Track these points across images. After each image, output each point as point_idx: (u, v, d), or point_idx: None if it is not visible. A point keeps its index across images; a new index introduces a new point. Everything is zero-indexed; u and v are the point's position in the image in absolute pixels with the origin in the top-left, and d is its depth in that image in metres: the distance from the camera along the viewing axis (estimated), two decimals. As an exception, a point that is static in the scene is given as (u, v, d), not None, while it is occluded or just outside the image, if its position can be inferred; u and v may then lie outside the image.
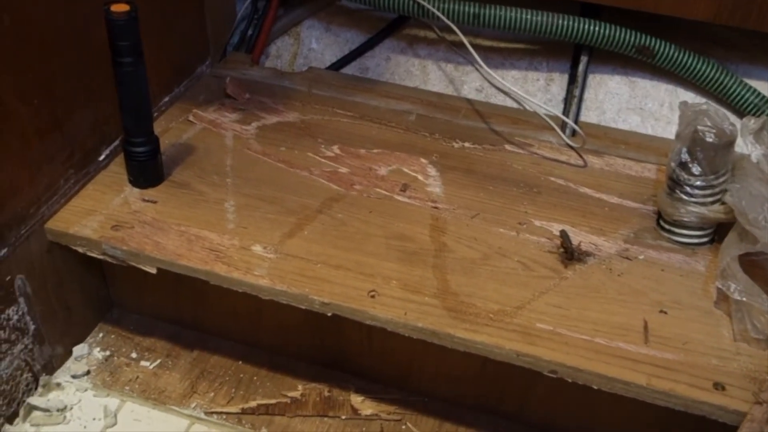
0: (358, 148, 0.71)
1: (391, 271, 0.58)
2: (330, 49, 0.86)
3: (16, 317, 0.58)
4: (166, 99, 0.74)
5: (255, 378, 0.65)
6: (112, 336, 0.67)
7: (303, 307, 0.56)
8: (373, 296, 0.56)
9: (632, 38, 0.74)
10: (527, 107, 0.78)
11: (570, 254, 0.60)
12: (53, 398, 0.61)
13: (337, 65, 0.85)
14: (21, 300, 0.58)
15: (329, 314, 0.56)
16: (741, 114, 0.75)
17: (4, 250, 0.56)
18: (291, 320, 0.64)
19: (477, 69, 0.80)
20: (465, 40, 0.73)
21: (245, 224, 0.61)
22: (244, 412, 0.62)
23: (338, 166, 0.68)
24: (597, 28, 0.74)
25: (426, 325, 0.54)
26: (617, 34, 0.74)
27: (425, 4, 0.75)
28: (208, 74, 0.80)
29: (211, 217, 0.61)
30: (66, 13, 0.57)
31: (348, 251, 0.59)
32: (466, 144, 0.73)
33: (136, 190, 0.63)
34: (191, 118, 0.73)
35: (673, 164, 0.61)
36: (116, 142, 0.66)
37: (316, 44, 0.87)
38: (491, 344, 0.53)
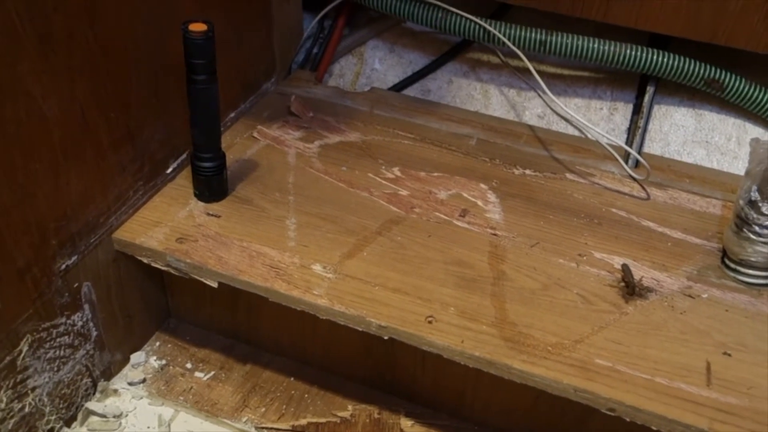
0: (419, 170, 0.71)
1: (448, 297, 0.58)
2: (393, 70, 0.87)
3: (80, 323, 0.60)
4: (232, 115, 0.75)
5: (306, 395, 0.65)
6: (169, 345, 0.69)
7: (360, 329, 0.56)
8: (430, 322, 0.56)
9: (701, 70, 0.72)
10: (589, 136, 0.77)
11: (631, 289, 0.59)
12: (110, 404, 0.63)
13: (400, 86, 0.86)
14: (86, 307, 0.60)
15: (386, 338, 0.56)
16: (813, 152, 0.72)
17: (74, 258, 0.58)
18: (345, 340, 0.64)
19: (539, 95, 0.80)
20: (530, 66, 0.73)
21: (306, 242, 0.62)
22: (294, 429, 0.62)
23: (398, 188, 0.69)
24: (665, 59, 0.73)
25: (483, 355, 0.53)
26: (686, 65, 0.72)
27: (491, 29, 0.75)
28: (273, 91, 0.82)
29: (273, 233, 0.62)
30: (145, 29, 0.59)
31: (406, 275, 0.59)
32: (527, 171, 0.72)
33: (200, 204, 0.65)
34: (255, 134, 0.74)
35: (741, 202, 0.59)
36: (184, 156, 0.67)
37: (379, 65, 0.87)
38: (549, 378, 0.52)
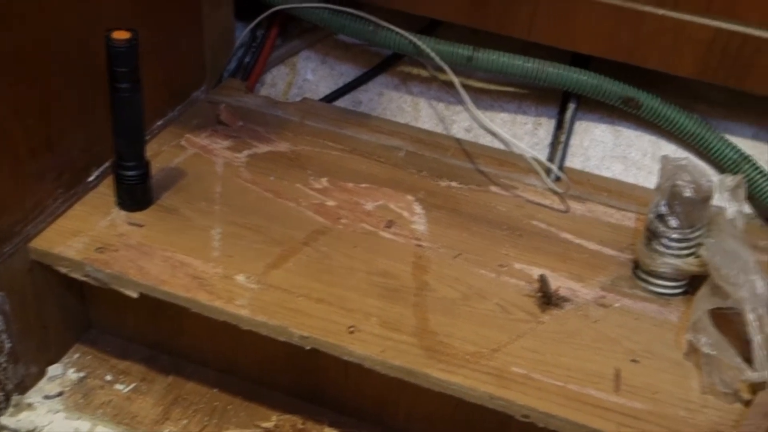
0: (347, 181, 0.72)
1: (371, 308, 0.59)
2: (325, 81, 0.88)
3: (-7, 334, 0.58)
4: (160, 122, 0.75)
5: (229, 407, 0.65)
6: (88, 357, 0.67)
7: (282, 340, 0.57)
8: (352, 332, 0.56)
9: (619, 89, 0.76)
10: (514, 150, 0.80)
11: (548, 299, 0.61)
12: (24, 419, 0.61)
13: (331, 97, 0.86)
14: None
15: (308, 348, 0.56)
16: (720, 168, 0.77)
17: (-13, 267, 0.56)
18: (269, 350, 0.64)
19: (466, 109, 0.81)
20: (456, 81, 0.75)
21: (230, 252, 0.61)
22: (217, 440, 0.62)
23: (326, 199, 0.69)
24: (585, 78, 0.76)
25: (403, 364, 0.54)
26: (605, 84, 0.76)
27: (420, 44, 0.77)
28: (203, 100, 0.81)
29: (197, 243, 0.62)
30: (67, 35, 0.58)
31: (330, 285, 0.60)
32: (453, 183, 0.74)
33: (123, 213, 0.64)
34: (183, 142, 0.74)
35: (651, 216, 0.62)
36: (107, 164, 0.66)
37: (311, 75, 0.88)
38: (466, 386, 0.53)
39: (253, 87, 0.86)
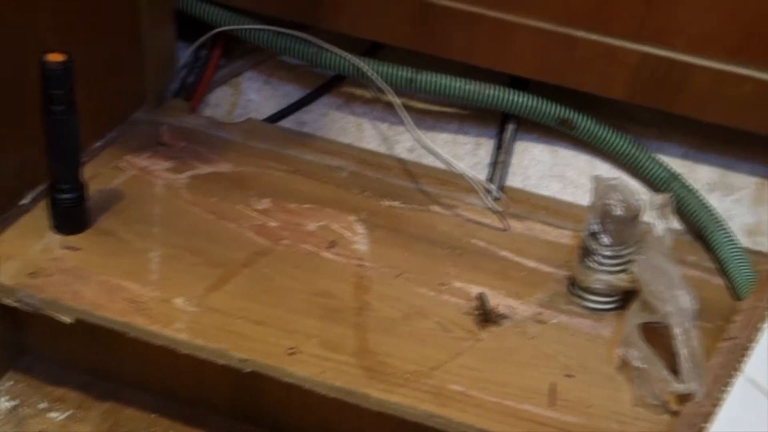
0: (289, 202, 0.72)
1: (312, 329, 0.59)
2: (269, 102, 0.88)
3: None
4: (98, 144, 0.74)
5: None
6: (22, 385, 0.66)
7: (221, 363, 0.56)
8: (292, 354, 0.56)
9: (555, 110, 0.78)
10: (456, 169, 0.81)
11: (486, 317, 0.62)
12: (-46, 449, 0.59)
13: (275, 118, 0.87)
14: (-72, 345, 0.57)
15: (247, 371, 0.56)
16: (652, 187, 0.80)
17: None
18: (210, 374, 0.64)
19: (409, 130, 0.83)
20: (397, 102, 0.76)
21: (169, 275, 0.61)
22: (156, 466, 0.61)
23: (268, 220, 0.69)
24: (522, 100, 0.78)
25: (342, 385, 0.55)
26: (541, 106, 0.78)
27: (362, 65, 0.78)
28: (144, 121, 0.80)
29: (134, 266, 0.61)
30: (1, 59, 0.57)
31: (271, 307, 0.60)
32: (395, 203, 0.75)
33: (58, 237, 0.63)
34: (122, 164, 0.73)
35: (585, 234, 0.64)
36: (41, 187, 0.65)
37: (255, 96, 0.88)
38: (405, 405, 0.54)
39: (197, 107, 0.86)
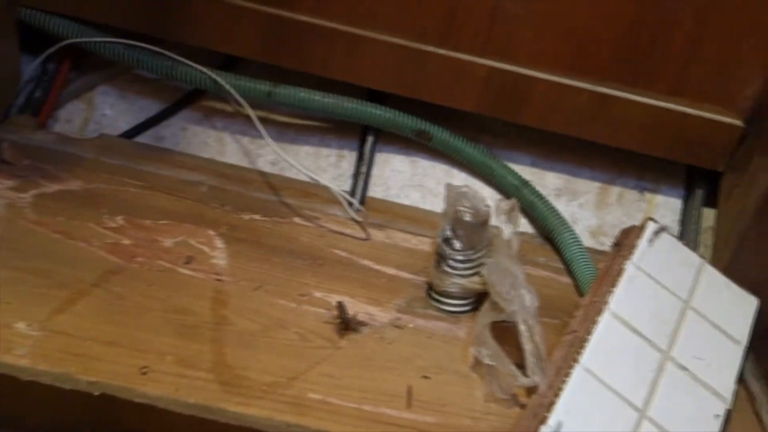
0: (145, 219, 0.70)
1: (167, 346, 0.57)
2: (125, 117, 0.85)
3: None
4: (-69, 163, 0.69)
5: (16, 465, 0.60)
6: None
7: (68, 388, 0.54)
8: (144, 373, 0.55)
9: (412, 123, 0.81)
10: (321, 181, 0.82)
11: (346, 325, 0.63)
12: None
13: (132, 133, 0.84)
14: None
15: (96, 393, 0.54)
16: (504, 194, 0.84)
17: None
18: (63, 401, 0.60)
19: (272, 144, 0.83)
20: (253, 115, 0.76)
21: (9, 300, 0.58)
22: (0, 503, 0.57)
23: (121, 238, 0.67)
24: (380, 112, 0.80)
25: (197, 401, 0.54)
26: (399, 118, 0.80)
27: (218, 79, 0.77)
28: (-16, 137, 0.76)
29: (-30, 292, 0.57)
30: None
31: (122, 326, 0.58)
32: (256, 216, 0.75)
33: None
34: (-42, 184, 0.68)
35: (439, 240, 0.67)
36: None
37: (109, 111, 0.85)
38: (262, 417, 0.54)
39: (45, 123, 0.82)
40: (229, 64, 0.83)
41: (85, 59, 0.85)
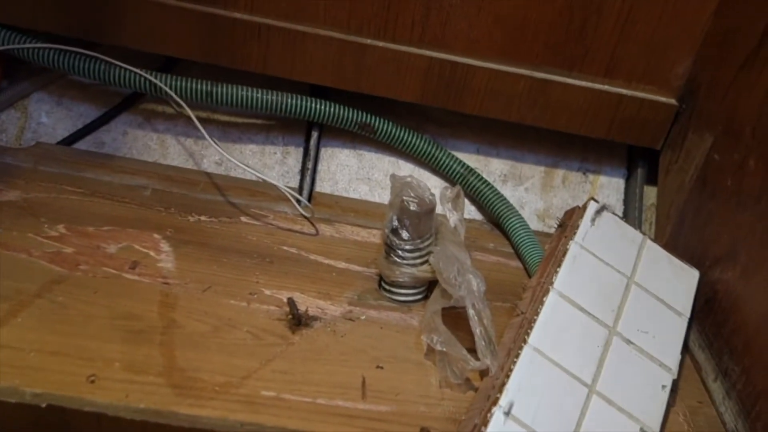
0: (87, 226, 0.69)
1: (114, 353, 0.56)
2: (62, 124, 0.83)
3: None
4: None
5: (-36, 485, 0.58)
6: None
7: (14, 401, 0.53)
8: (92, 381, 0.54)
9: (355, 116, 0.81)
10: (267, 179, 0.82)
11: (297, 320, 0.63)
12: None
13: (70, 140, 0.82)
14: None
15: (43, 405, 0.53)
16: (451, 182, 0.85)
17: None
18: (13, 417, 0.59)
19: (213, 143, 0.82)
20: (193, 116, 0.75)
21: (-54, 316, 0.56)
22: None
23: (63, 246, 0.66)
24: (323, 107, 0.80)
25: (148, 406, 0.53)
26: (342, 112, 0.80)
27: (155, 80, 0.76)
28: None
29: None
30: None
31: (67, 336, 0.57)
32: (202, 217, 0.74)
33: None
34: None
35: (386, 230, 0.67)
36: None
37: (46, 118, 0.83)
38: (215, 417, 0.53)
39: (-22, 134, 0.79)
40: (169, 65, 0.82)
41: (16, 67, 0.83)
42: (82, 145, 0.83)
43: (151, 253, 0.68)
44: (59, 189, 0.73)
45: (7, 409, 0.54)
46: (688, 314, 0.69)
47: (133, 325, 0.59)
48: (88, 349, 0.56)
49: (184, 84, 0.77)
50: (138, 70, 0.76)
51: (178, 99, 0.75)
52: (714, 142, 0.74)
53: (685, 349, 0.70)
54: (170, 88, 0.76)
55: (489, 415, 0.53)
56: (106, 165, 0.78)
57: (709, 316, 0.70)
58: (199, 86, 0.77)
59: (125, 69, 0.76)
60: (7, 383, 0.52)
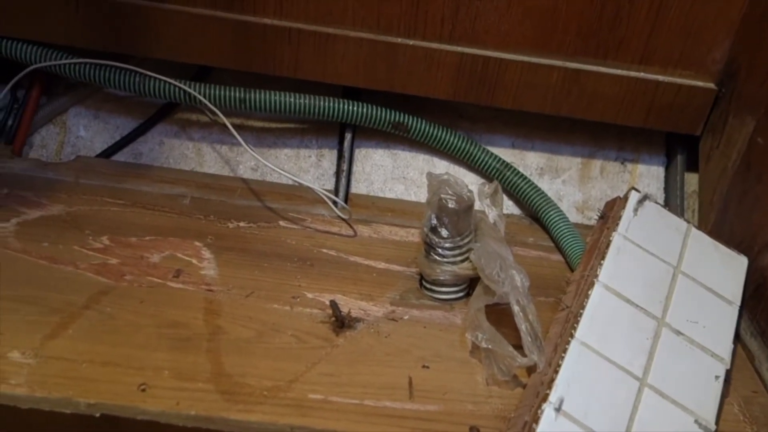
0: (129, 236, 0.70)
1: (162, 361, 0.57)
2: (100, 137, 0.85)
3: None
4: None
5: (23, 495, 0.60)
6: None
7: (69, 412, 0.54)
8: (143, 390, 0.55)
9: (388, 116, 0.81)
10: (303, 183, 0.82)
11: (340, 322, 0.63)
12: None
13: (108, 153, 0.83)
14: None
15: (97, 415, 0.54)
16: (487, 177, 0.84)
17: None
18: (64, 427, 0.60)
19: (249, 149, 0.83)
20: (228, 123, 0.76)
21: (1, 330, 0.57)
22: None
23: (108, 258, 0.67)
24: (356, 108, 0.80)
25: (198, 412, 0.53)
26: (375, 112, 0.80)
27: (189, 90, 0.77)
28: (-40, 170, 0.75)
29: (-41, 326, 0.57)
30: None
31: (116, 346, 0.58)
32: (241, 223, 0.75)
33: None
34: (-63, 219, 0.68)
35: (425, 229, 0.67)
36: None
37: (84, 132, 0.85)
38: (266, 422, 0.54)
39: (20, 150, 0.81)
40: (202, 74, 0.83)
41: (54, 83, 0.84)
42: (120, 156, 0.84)
43: (194, 261, 0.68)
44: (101, 201, 0.74)
45: (62, 420, 0.55)
46: (738, 302, 0.67)
47: (180, 333, 0.60)
48: (138, 358, 0.57)
49: (217, 92, 0.77)
50: (172, 81, 0.77)
51: (212, 107, 0.76)
52: (757, 125, 0.72)
53: (737, 337, 0.68)
54: (204, 97, 0.77)
55: (539, 411, 0.53)
56: (145, 175, 0.79)
57: (760, 303, 0.68)
58: (232, 93, 0.78)
59: (160, 80, 0.77)
60: (62, 394, 0.53)
